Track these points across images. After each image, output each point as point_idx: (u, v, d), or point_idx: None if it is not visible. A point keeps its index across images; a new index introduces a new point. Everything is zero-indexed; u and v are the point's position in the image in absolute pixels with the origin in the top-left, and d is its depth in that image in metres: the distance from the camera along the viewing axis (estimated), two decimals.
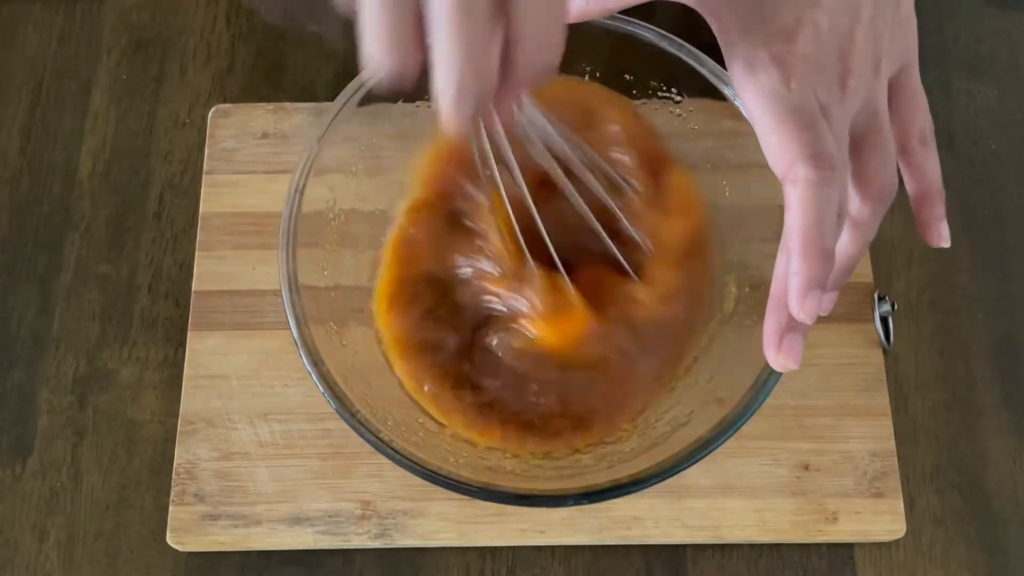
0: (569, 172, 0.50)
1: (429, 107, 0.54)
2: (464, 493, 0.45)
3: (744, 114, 0.47)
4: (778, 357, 0.42)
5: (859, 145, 0.44)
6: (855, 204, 0.45)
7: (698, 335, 0.52)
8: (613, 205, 0.51)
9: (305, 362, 0.47)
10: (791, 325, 0.41)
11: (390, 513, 0.53)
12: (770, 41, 0.42)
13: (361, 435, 0.46)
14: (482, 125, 0.43)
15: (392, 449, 0.46)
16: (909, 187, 0.48)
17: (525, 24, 0.36)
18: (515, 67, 0.36)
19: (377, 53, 0.35)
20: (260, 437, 0.55)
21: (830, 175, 0.40)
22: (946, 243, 0.47)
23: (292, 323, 0.48)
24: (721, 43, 0.44)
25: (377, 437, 0.46)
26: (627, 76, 0.54)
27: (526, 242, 0.50)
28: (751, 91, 0.42)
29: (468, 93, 0.35)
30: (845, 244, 0.46)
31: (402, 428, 0.48)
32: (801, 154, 0.40)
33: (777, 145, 0.41)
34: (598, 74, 0.54)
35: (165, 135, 0.63)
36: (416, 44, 0.35)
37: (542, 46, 0.36)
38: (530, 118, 0.47)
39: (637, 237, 0.51)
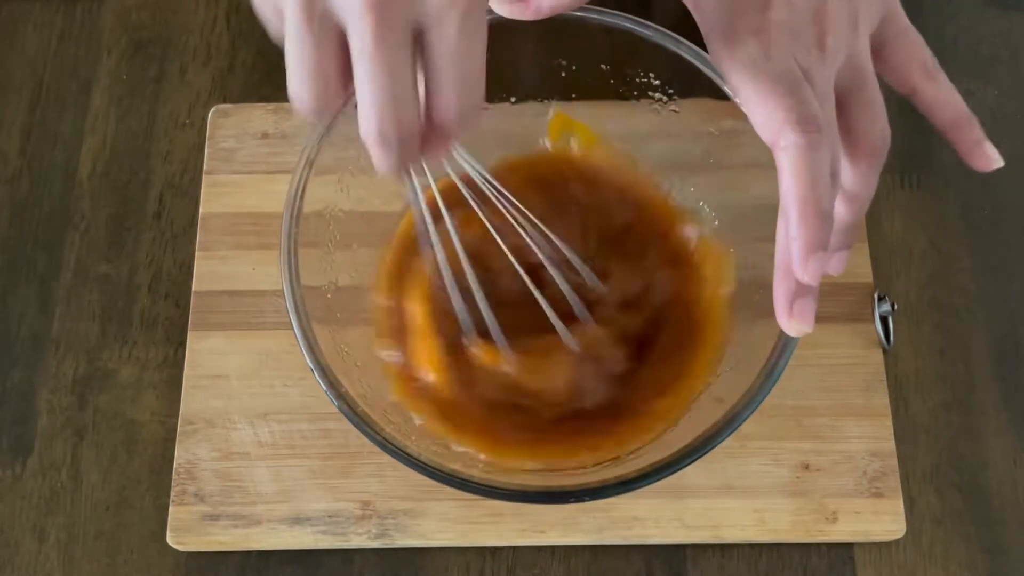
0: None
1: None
2: (466, 491, 0.45)
3: (728, 92, 0.47)
4: (791, 323, 0.42)
5: (845, 102, 0.44)
6: (847, 163, 0.45)
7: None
8: (548, 263, 0.50)
9: (308, 362, 0.47)
10: (800, 290, 0.41)
11: (390, 513, 0.53)
12: (745, 13, 0.42)
13: (366, 435, 0.46)
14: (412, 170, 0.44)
15: (398, 449, 0.46)
16: (935, 124, 0.47)
17: (440, 71, 0.36)
18: (435, 114, 0.37)
19: (297, 91, 0.37)
20: (260, 437, 0.55)
21: (818, 137, 0.40)
22: (998, 163, 0.46)
23: (295, 323, 0.47)
24: (699, 23, 0.44)
25: (384, 439, 0.46)
26: (625, 74, 0.54)
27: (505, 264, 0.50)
28: (731, 65, 0.42)
29: (390, 139, 0.36)
30: (843, 208, 0.46)
31: (404, 428, 0.48)
32: (787, 120, 0.40)
33: (762, 114, 0.41)
34: (589, 72, 0.54)
35: (165, 135, 0.63)
36: (340, 82, 0.36)
37: (458, 93, 0.37)
38: (462, 167, 0.47)
39: (589, 280, 0.52)
